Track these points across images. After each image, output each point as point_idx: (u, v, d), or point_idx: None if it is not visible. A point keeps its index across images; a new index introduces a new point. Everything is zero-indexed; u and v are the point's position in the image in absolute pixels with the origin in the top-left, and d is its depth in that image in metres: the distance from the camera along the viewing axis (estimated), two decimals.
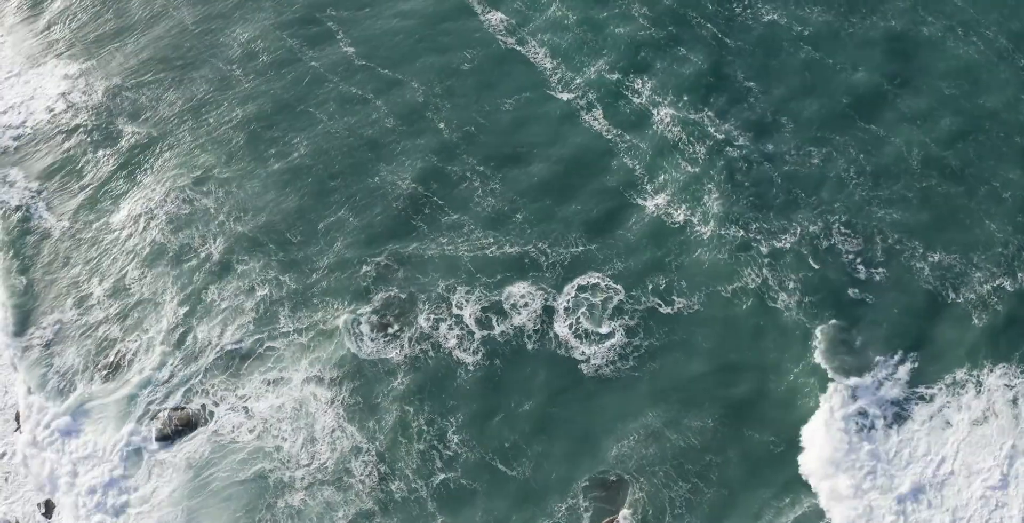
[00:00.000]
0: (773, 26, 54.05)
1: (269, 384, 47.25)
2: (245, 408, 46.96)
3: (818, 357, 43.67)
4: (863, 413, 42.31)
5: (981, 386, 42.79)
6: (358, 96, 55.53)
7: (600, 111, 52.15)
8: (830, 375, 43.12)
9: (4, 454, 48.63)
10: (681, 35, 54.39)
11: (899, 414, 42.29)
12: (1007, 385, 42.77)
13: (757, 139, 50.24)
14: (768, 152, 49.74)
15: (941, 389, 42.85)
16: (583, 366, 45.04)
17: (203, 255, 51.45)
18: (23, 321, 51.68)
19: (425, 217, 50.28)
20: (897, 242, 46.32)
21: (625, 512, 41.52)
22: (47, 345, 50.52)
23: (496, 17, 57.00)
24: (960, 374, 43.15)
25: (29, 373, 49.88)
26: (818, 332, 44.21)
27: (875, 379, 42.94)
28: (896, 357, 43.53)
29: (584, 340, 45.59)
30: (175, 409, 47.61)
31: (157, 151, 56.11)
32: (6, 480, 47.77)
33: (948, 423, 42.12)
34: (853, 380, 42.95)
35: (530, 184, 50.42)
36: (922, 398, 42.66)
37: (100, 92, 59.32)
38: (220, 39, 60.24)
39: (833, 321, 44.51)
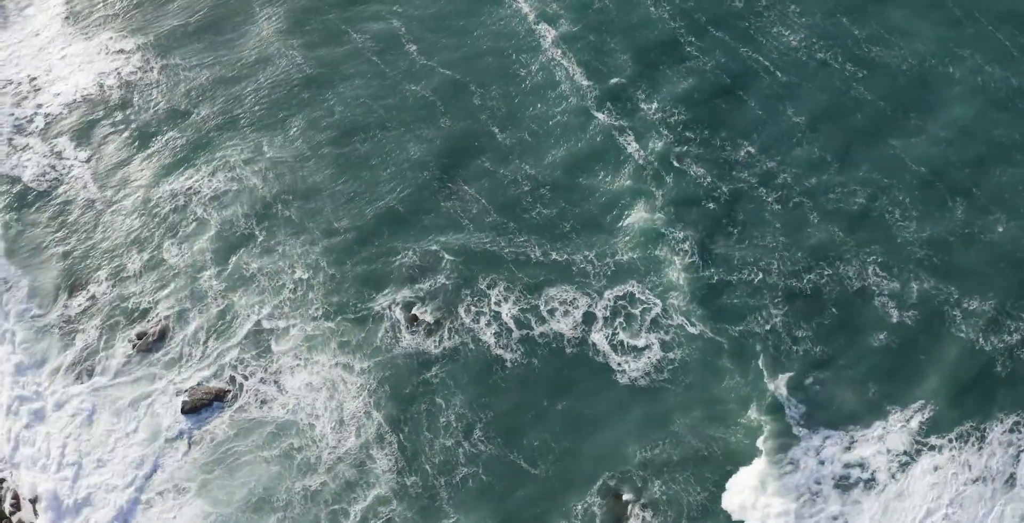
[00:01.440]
0: (826, 64, 54.07)
1: (300, 365, 47.94)
2: (276, 383, 47.64)
3: (819, 402, 43.90)
4: (861, 465, 42.31)
5: (984, 440, 42.52)
6: (416, 91, 56.47)
7: (635, 138, 52.43)
8: (824, 420, 43.41)
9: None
10: (733, 68, 54.54)
11: (902, 466, 42.15)
12: (1014, 442, 42.57)
13: (800, 174, 50.19)
14: (808, 187, 49.68)
15: (949, 441, 42.68)
16: (617, 375, 45.58)
17: (245, 233, 52.31)
18: (56, 291, 52.43)
19: (472, 216, 50.96)
20: (933, 287, 46.09)
21: (643, 513, 42.19)
22: (78, 316, 51.24)
23: (542, 24, 57.65)
24: (967, 426, 42.89)
25: (55, 344, 50.68)
26: (827, 376, 44.40)
27: (883, 429, 42.95)
28: (913, 406, 43.42)
29: (619, 351, 46.12)
30: (203, 382, 48.28)
31: (207, 128, 56.99)
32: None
33: (945, 478, 41.89)
34: (855, 429, 43.02)
35: (576, 194, 51.11)
36: (931, 448, 42.49)
37: (154, 69, 60.40)
38: (278, 16, 61.49)
39: (849, 367, 44.53)
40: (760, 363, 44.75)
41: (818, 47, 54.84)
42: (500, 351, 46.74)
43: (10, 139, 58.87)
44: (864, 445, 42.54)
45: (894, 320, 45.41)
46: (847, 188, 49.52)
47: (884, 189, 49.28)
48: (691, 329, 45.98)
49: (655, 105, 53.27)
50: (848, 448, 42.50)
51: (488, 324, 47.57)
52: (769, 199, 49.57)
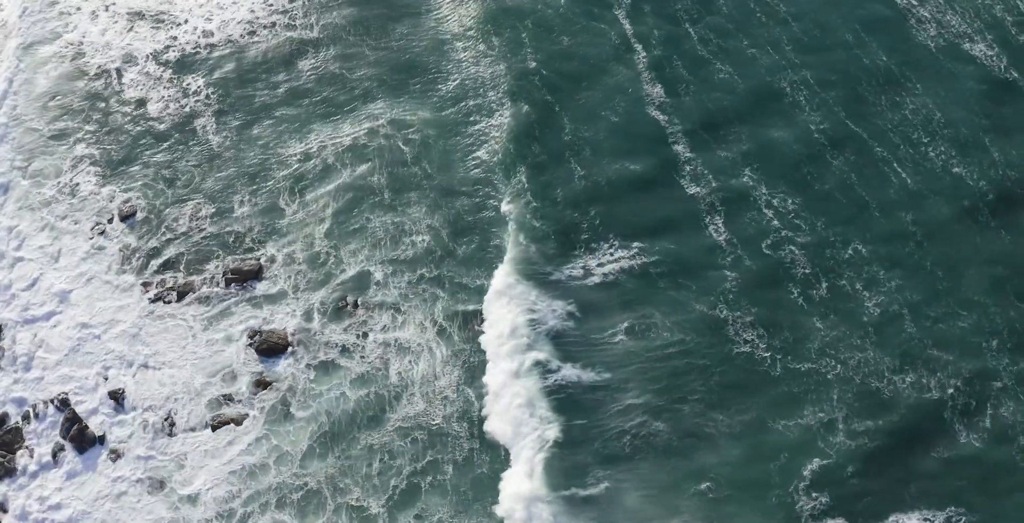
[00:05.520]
0: (961, 180, 54.59)
1: (397, 325, 50.75)
2: (364, 335, 50.32)
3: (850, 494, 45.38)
4: None
5: None
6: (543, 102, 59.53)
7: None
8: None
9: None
10: (860, 164, 55.45)
11: None
12: None
13: (905, 286, 51.17)
14: (911, 300, 50.67)
15: None
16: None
17: (375, 188, 55.62)
18: (158, 218, 55.74)
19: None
20: (1011, 415, 47.01)
21: None
22: (175, 243, 54.72)
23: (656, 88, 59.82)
24: None
25: (141, 266, 54.02)
26: (867, 469, 45.87)
27: None
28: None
29: None
30: (286, 328, 50.97)
31: (357, 87, 60.62)
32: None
33: None
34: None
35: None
36: None
37: (315, 27, 63.85)
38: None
39: (896, 468, 45.89)
40: (805, 452, 46.62)
41: (955, 162, 55.41)
42: None
43: (143, 67, 62.77)
44: None
45: (962, 439, 46.70)
46: (951, 309, 50.46)
47: (989, 316, 50.24)
48: (740, 417, 47.78)
49: (764, 189, 54.92)
50: None
51: None
52: (869, 304, 50.80)
